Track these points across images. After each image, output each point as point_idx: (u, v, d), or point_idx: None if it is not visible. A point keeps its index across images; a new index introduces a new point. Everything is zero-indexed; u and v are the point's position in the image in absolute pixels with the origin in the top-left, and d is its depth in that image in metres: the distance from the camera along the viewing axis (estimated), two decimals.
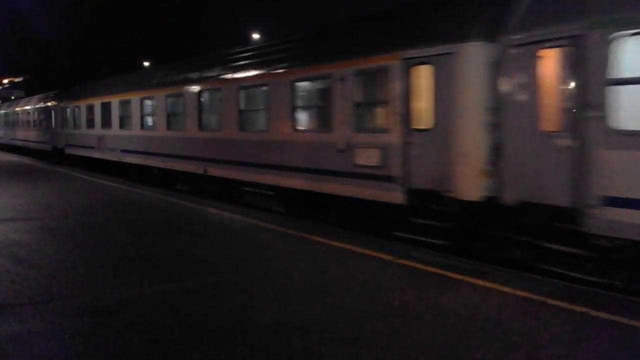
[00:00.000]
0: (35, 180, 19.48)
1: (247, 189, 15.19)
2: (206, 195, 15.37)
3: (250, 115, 14.15)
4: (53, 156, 30.54)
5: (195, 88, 16.07)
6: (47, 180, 19.42)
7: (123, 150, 21.13)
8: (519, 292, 6.43)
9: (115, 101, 21.75)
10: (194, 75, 16.53)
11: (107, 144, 22.59)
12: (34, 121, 35.32)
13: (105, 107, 22.73)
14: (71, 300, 6.23)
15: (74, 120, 26.91)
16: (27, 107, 37.31)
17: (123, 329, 5.38)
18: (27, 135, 37.17)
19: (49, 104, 31.49)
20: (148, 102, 19.16)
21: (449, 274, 7.24)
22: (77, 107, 26.44)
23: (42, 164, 28.35)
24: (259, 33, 42.62)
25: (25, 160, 31.53)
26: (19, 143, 40.14)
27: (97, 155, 23.85)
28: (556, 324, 5.46)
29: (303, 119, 12.53)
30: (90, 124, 24.51)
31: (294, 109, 12.31)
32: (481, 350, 4.85)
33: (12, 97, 54.50)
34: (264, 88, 13.19)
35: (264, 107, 13.35)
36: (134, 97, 19.99)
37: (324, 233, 9.92)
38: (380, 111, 10.48)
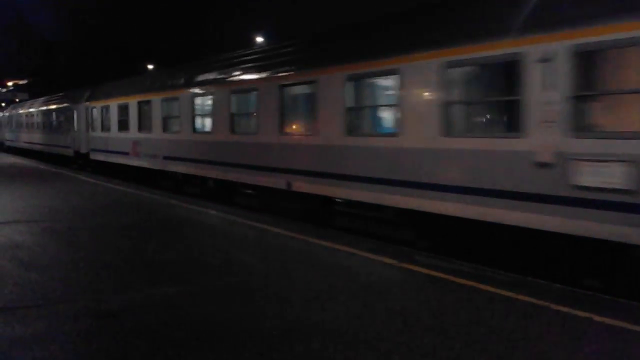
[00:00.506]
0: (39, 182, 19.52)
1: (340, 208, 12.12)
2: (286, 216, 12.71)
3: (362, 113, 10.99)
4: (75, 162, 28.13)
5: (272, 83, 12.81)
6: (50, 183, 19.45)
7: (167, 158, 18.05)
8: (521, 297, 6.41)
9: (156, 100, 18.65)
10: (277, 62, 13.17)
11: (145, 150, 19.49)
12: (52, 123, 32.42)
13: (144, 107, 19.68)
14: (74, 303, 6.24)
15: (102, 122, 23.85)
16: (44, 108, 34.51)
17: (125, 332, 5.38)
18: (44, 139, 34.05)
19: (70, 104, 28.61)
20: (203, 100, 16.24)
21: (452, 278, 7.23)
22: (106, 107, 23.34)
23: (45, 166, 28.26)
24: (262, 36, 42.69)
25: (30, 163, 31.47)
26: (34, 147, 36.88)
27: (131, 162, 20.71)
28: (559, 329, 5.44)
29: (466, 118, 9.20)
30: (123, 126, 21.44)
31: (446, 105, 8.95)
32: (483, 355, 4.85)
33: (17, 100, 54.08)
34: (392, 79, 9.90)
35: (388, 104, 10.41)
36: (184, 94, 16.85)
37: (328, 237, 9.91)
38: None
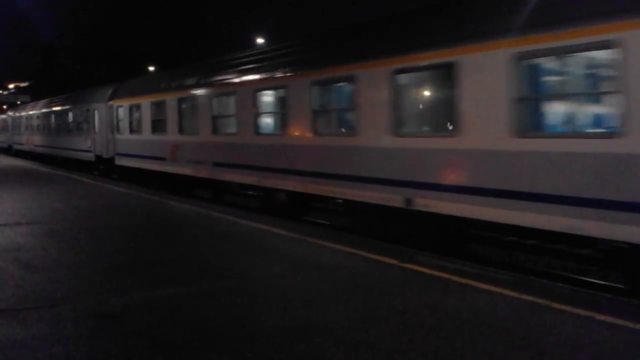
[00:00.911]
0: (40, 184, 19.54)
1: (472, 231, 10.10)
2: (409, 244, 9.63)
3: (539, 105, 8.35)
4: (96, 167, 25.41)
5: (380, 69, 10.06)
6: (52, 185, 19.47)
7: (218, 164, 15.24)
8: (523, 296, 6.40)
9: (204, 96, 15.76)
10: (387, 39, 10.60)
11: (188, 155, 16.56)
12: (68, 125, 29.42)
13: (186, 105, 16.90)
14: (75, 305, 6.24)
15: (131, 123, 21.06)
16: (58, 109, 31.49)
17: (127, 334, 5.38)
18: (61, 142, 30.77)
19: (90, 103, 25.86)
20: (275, 96, 13.63)
21: (454, 278, 7.22)
22: (136, 105, 20.43)
23: (46, 168, 28.30)
24: (263, 37, 42.74)
25: (30, 165, 31.52)
26: (48, 151, 33.45)
27: (168, 169, 17.93)
28: (561, 328, 5.43)
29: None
30: (159, 127, 18.52)
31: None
32: (485, 355, 4.84)
33: (18, 102, 53.38)
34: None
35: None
36: (245, 90, 13.91)
37: (329, 237, 9.90)
38: None
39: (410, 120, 10.16)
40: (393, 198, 9.86)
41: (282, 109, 13.05)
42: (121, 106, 21.92)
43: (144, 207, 14.16)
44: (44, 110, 35.27)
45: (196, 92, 16.24)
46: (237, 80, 14.50)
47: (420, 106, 10.57)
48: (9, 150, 46.29)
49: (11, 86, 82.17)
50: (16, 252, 8.80)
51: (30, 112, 38.87)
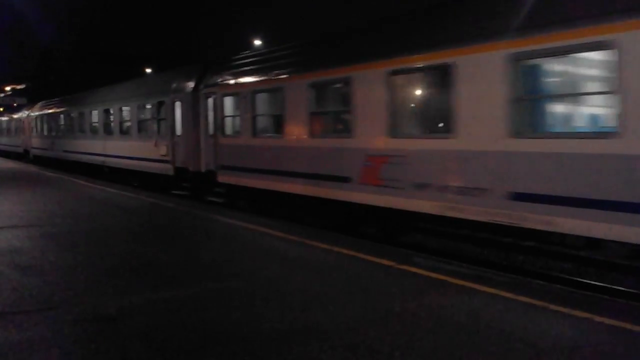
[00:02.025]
0: (37, 187, 19.49)
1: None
2: None
3: None
4: (176, 184, 17.99)
5: None
6: (48, 187, 19.42)
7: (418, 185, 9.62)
8: (520, 298, 6.40)
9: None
10: None
11: (431, 175, 9.46)
12: (123, 125, 22.06)
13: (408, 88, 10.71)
14: (73, 308, 6.22)
15: (255, 120, 13.92)
16: (106, 104, 23.72)
17: (125, 337, 5.37)
18: (110, 148, 23.03)
19: (166, 93, 18.15)
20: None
21: (451, 280, 7.22)
22: (270, 91, 13.51)
23: (44, 171, 28.01)
24: (261, 39, 42.78)
25: (27, 167, 31.38)
26: (90, 159, 25.41)
27: (366, 198, 10.70)
28: (558, 330, 5.43)
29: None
30: (336, 125, 12.22)
31: None
32: (483, 356, 4.84)
33: (15, 104, 52.06)
34: None
35: None
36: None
37: (327, 239, 9.90)
38: None
39: None
40: None
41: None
42: (228, 95, 15.10)
43: (142, 208, 14.14)
44: (82, 106, 26.97)
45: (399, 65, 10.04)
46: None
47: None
48: (25, 157, 37.73)
49: (8, 88, 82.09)
50: (13, 254, 8.77)
51: (58, 110, 30.57)
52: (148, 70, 50.71)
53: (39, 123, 34.68)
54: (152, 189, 18.82)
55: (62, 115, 30.00)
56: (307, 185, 12.17)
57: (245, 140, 14.31)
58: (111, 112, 23.33)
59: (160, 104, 18.77)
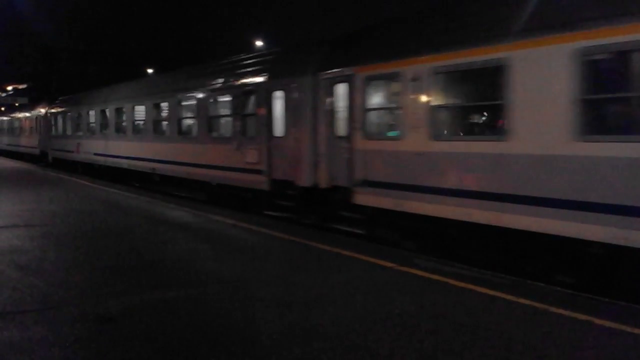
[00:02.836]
0: (38, 186, 19.50)
1: None
2: None
3: None
4: (270, 202, 13.19)
5: None
6: (49, 187, 19.43)
7: None
8: (521, 300, 6.40)
9: None
10: None
11: None
12: (189, 122, 17.19)
13: None
14: (73, 308, 6.22)
15: (436, 113, 9.29)
16: (172, 96, 17.76)
17: (124, 337, 5.37)
18: (162, 152, 18.19)
19: (261, 82, 13.46)
20: None
21: (451, 281, 7.22)
22: (444, 70, 9.08)
23: (44, 170, 27.96)
24: (262, 40, 42.82)
25: (28, 167, 31.36)
26: (129, 164, 20.99)
27: None
28: (559, 332, 5.43)
29: None
30: None
31: None
32: (482, 358, 4.83)
33: (16, 104, 51.39)
34: None
35: None
36: None
37: (327, 241, 9.89)
38: None
39: None
40: None
41: None
42: (386, 77, 10.28)
43: (142, 208, 14.14)
44: (121, 100, 22.14)
45: None
46: None
47: None
48: (41, 160, 32.95)
49: (9, 88, 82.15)
50: (13, 254, 8.77)
51: (87, 106, 25.79)
52: (149, 71, 50.68)
53: (60, 121, 29.81)
54: (221, 204, 14.83)
55: (92, 112, 25.03)
56: (573, 223, 7.43)
57: (414, 144, 9.52)
58: (162, 106, 18.72)
59: (248, 94, 13.96)
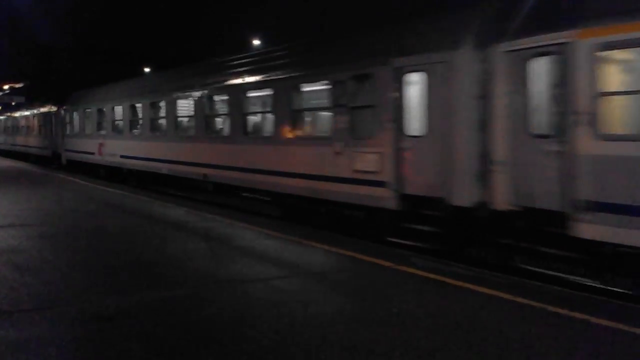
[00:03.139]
0: (35, 186, 19.47)
1: None
2: None
3: None
4: (397, 226, 9.91)
5: None
6: (46, 186, 19.39)
7: None
8: (518, 299, 6.41)
9: None
10: None
11: None
12: (256, 118, 14.51)
13: None
14: (70, 307, 6.20)
15: None
16: (231, 88, 14.51)
17: (121, 336, 5.36)
18: (218, 155, 14.90)
19: (384, 61, 10.00)
20: None
21: (449, 281, 7.22)
22: None
23: (43, 170, 27.87)
24: (260, 39, 42.79)
25: (27, 166, 31.30)
26: (171, 169, 17.46)
27: None
28: (556, 331, 5.44)
29: None
30: None
31: None
32: (481, 357, 4.84)
33: (13, 103, 50.92)
34: None
35: None
36: None
37: (323, 239, 9.89)
38: None
39: None
40: None
41: None
42: None
43: (140, 208, 14.12)
44: (157, 95, 18.76)
45: None
46: None
47: None
48: (53, 162, 29.73)
49: (6, 87, 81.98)
50: (10, 254, 8.75)
51: (111, 102, 22.28)
52: (147, 70, 50.60)
53: (77, 119, 26.17)
54: (305, 221, 11.96)
55: (118, 109, 21.55)
56: None
57: None
58: (218, 99, 15.60)
59: (359, 80, 10.67)
